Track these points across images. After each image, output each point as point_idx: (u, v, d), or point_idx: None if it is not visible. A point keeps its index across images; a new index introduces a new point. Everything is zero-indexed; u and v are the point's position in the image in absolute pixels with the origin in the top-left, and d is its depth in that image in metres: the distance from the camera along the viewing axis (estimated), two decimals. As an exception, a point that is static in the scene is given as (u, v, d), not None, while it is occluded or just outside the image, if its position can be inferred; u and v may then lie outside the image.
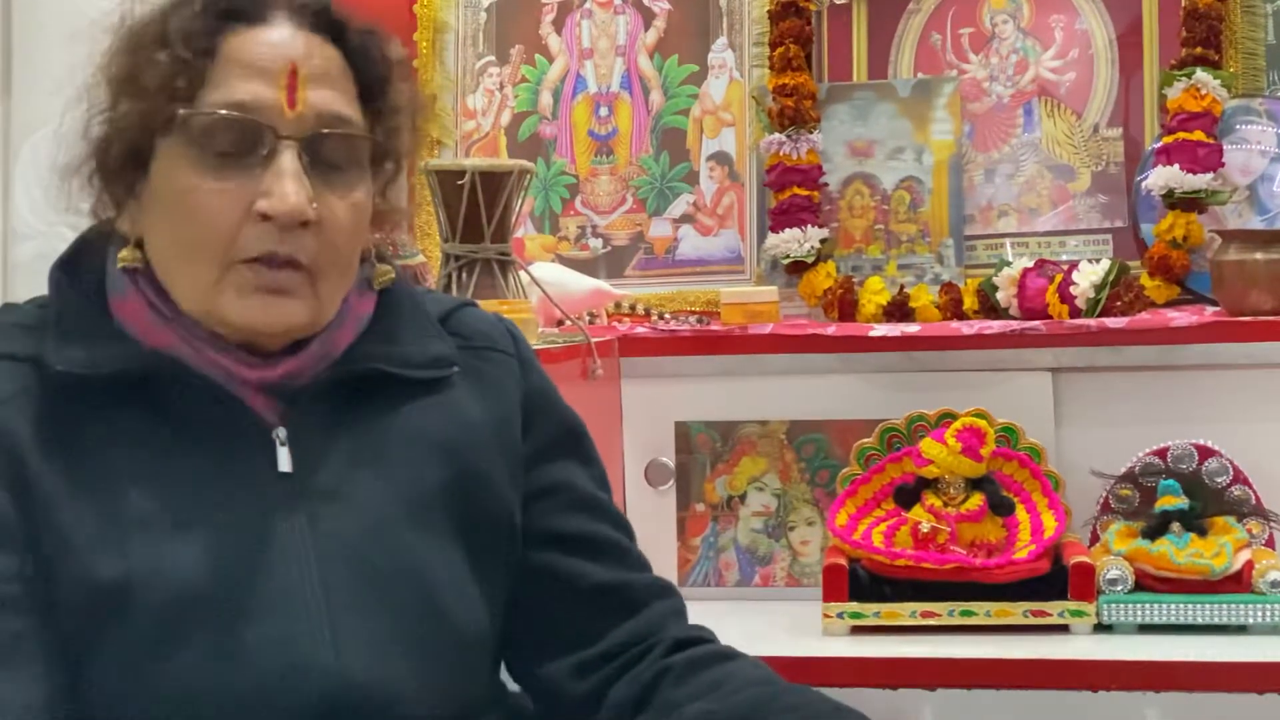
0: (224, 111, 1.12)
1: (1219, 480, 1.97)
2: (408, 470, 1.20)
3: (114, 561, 1.09)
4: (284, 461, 1.16)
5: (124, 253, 1.17)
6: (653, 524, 2.12)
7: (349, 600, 1.13)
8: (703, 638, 1.29)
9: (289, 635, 1.11)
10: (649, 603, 1.30)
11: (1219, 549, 1.87)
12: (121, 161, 1.15)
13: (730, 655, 1.27)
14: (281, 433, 1.16)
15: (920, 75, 2.40)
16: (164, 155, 1.14)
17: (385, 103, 1.21)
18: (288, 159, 1.12)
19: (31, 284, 1.25)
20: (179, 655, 1.09)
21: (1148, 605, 1.88)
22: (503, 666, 1.32)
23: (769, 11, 2.41)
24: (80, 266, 1.19)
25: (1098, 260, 2.17)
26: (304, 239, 1.13)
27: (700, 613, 1.35)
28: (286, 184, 1.11)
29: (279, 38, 1.14)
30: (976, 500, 1.94)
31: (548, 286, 2.02)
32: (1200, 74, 2.20)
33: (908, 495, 1.98)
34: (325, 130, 1.14)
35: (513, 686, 1.33)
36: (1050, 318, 2.13)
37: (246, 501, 1.14)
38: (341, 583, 1.14)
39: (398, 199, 1.27)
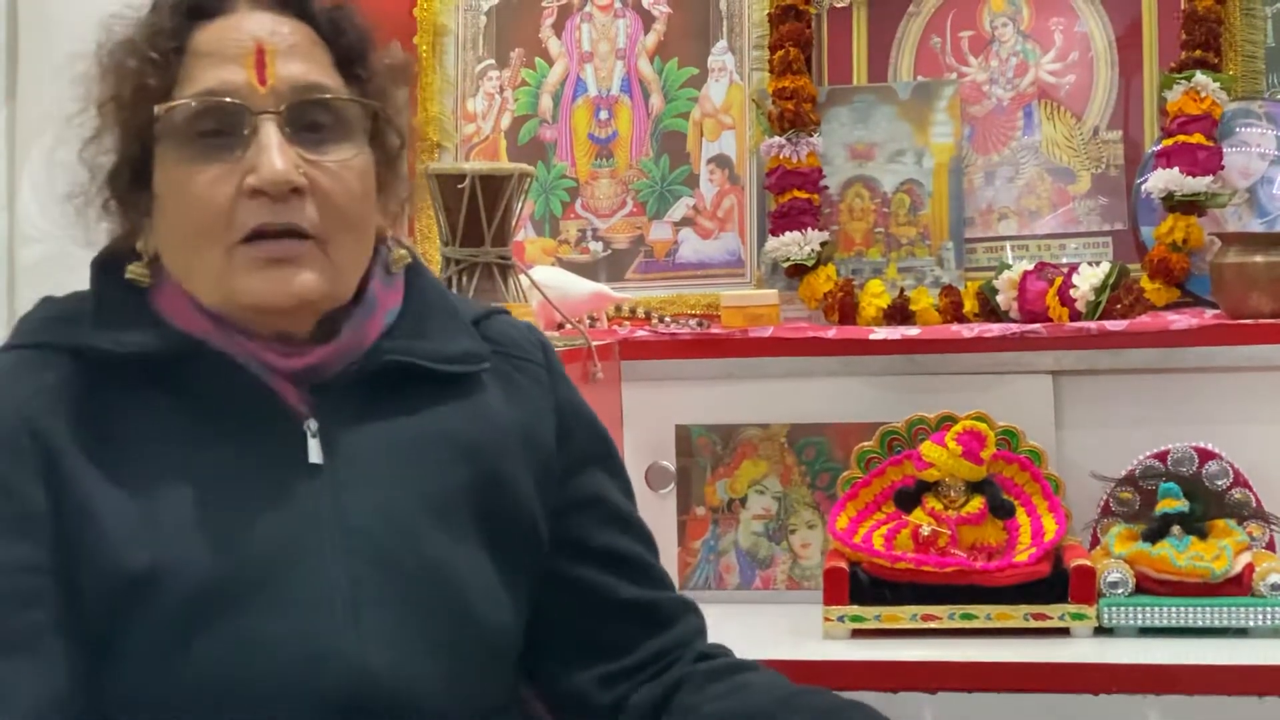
0: (198, 100, 1.14)
1: (1219, 483, 1.97)
2: (434, 469, 1.21)
3: (143, 551, 1.10)
4: (314, 453, 1.17)
5: (132, 267, 1.19)
6: (653, 527, 2.08)
7: (374, 594, 1.14)
8: (725, 654, 1.32)
9: (313, 627, 1.12)
10: (678, 619, 1.32)
11: (1219, 552, 1.87)
12: (130, 184, 1.18)
13: (750, 666, 1.29)
14: (313, 424, 1.17)
15: (920, 78, 2.40)
16: (160, 162, 1.16)
17: (365, 69, 1.22)
18: (268, 132, 1.13)
19: (39, 287, 1.26)
20: (203, 645, 1.10)
21: (1148, 608, 1.88)
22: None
23: (769, 15, 2.41)
24: (120, 260, 1.21)
25: (1098, 263, 2.17)
26: (301, 208, 1.14)
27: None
28: (270, 155, 1.12)
29: (243, 22, 1.16)
30: (977, 503, 1.94)
31: (548, 290, 2.02)
32: (1200, 76, 2.20)
33: (908, 498, 1.98)
34: (301, 99, 1.15)
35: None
36: (1050, 320, 2.13)
37: (275, 492, 1.15)
38: (367, 577, 1.15)
39: (402, 170, 1.28)
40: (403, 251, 1.27)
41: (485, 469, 1.23)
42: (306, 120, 1.16)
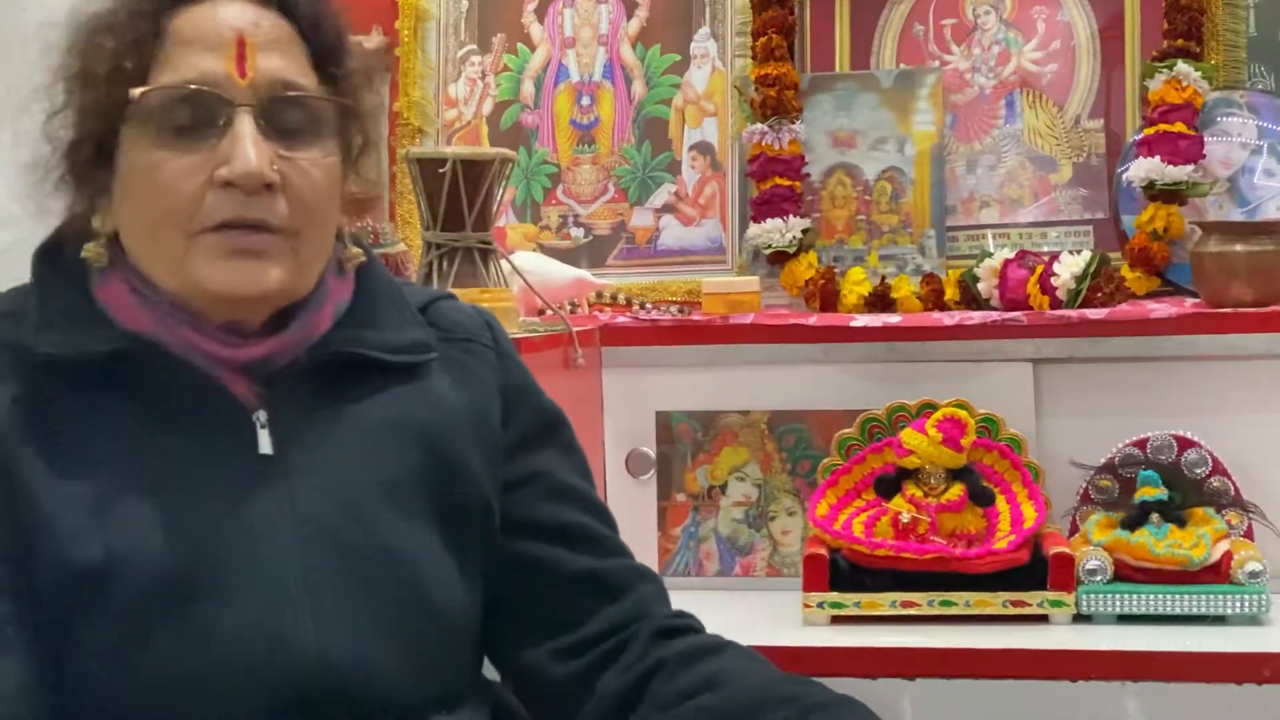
0: (176, 88, 1.13)
1: (1198, 471, 1.97)
2: (385, 454, 1.21)
3: (95, 545, 1.09)
4: (264, 444, 1.16)
5: (88, 247, 1.18)
6: (633, 514, 2.12)
7: (328, 581, 1.14)
8: (691, 626, 1.30)
9: (268, 616, 1.11)
10: (631, 587, 1.30)
11: (1198, 540, 1.88)
12: (91, 161, 1.16)
13: (723, 646, 1.28)
14: (262, 415, 1.17)
15: (903, 66, 2.40)
16: (127, 143, 1.15)
17: (340, 68, 1.21)
18: (244, 125, 1.13)
19: (11, 272, 1.25)
20: (158, 637, 1.09)
21: (1127, 595, 1.88)
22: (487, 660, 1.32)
23: (751, 1, 2.41)
24: (63, 253, 1.20)
25: (1079, 251, 2.17)
26: (272, 203, 1.14)
27: (681, 603, 1.35)
28: (245, 148, 1.12)
29: (224, 12, 1.15)
30: (957, 490, 1.95)
31: (529, 275, 2.02)
32: (1181, 66, 2.21)
33: (888, 485, 1.98)
34: (279, 95, 1.15)
35: (494, 678, 1.33)
36: (1031, 309, 2.13)
37: (227, 483, 1.14)
38: (321, 564, 1.14)
39: (370, 174, 1.28)
40: (357, 250, 1.26)
41: (436, 453, 1.23)
42: (282, 116, 1.15)
